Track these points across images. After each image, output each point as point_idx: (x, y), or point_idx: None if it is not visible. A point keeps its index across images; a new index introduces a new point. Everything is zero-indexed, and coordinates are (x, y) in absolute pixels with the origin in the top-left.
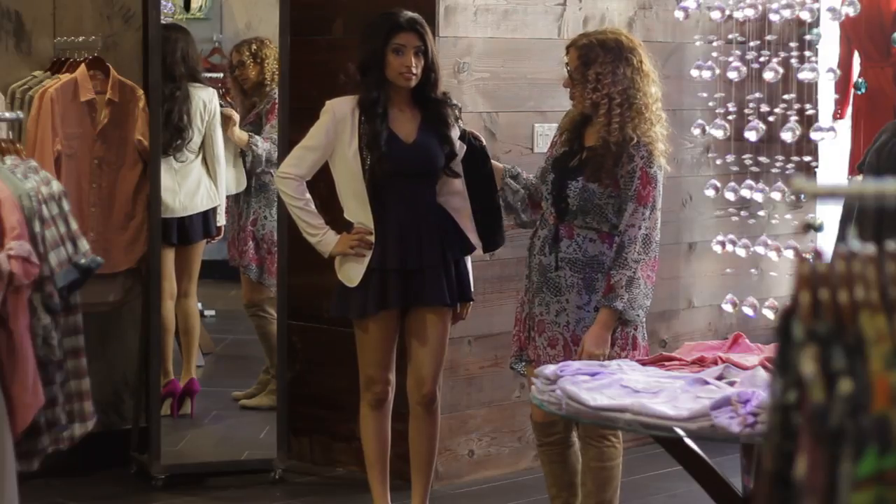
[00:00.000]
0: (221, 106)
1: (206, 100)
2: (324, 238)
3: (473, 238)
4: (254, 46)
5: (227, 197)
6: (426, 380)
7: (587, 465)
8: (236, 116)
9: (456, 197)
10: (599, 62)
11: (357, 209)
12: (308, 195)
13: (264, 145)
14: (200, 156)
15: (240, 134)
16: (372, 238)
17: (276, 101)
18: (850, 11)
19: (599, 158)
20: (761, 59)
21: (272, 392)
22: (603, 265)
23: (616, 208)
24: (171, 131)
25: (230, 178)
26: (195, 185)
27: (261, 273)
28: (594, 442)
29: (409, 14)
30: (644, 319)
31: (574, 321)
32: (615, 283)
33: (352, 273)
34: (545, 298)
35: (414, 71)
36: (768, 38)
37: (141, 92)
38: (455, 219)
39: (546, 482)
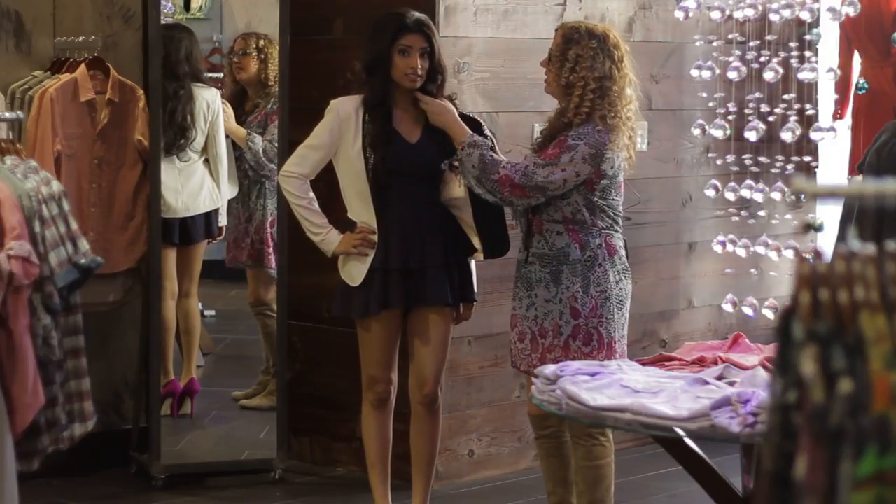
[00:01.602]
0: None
1: (209, 100)
2: (327, 237)
3: (475, 240)
4: (261, 41)
5: (235, 199)
6: (428, 380)
7: (577, 465)
8: (230, 110)
9: (459, 198)
10: (582, 45)
11: (360, 208)
12: (311, 194)
13: (261, 141)
14: (203, 156)
15: (236, 128)
16: (375, 237)
17: None
18: (850, 11)
19: (547, 133)
20: (761, 59)
21: (272, 392)
22: (569, 258)
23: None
24: (174, 130)
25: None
26: (198, 186)
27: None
28: (582, 441)
29: (417, 15)
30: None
31: (542, 315)
32: (493, 158)
33: (354, 272)
34: (519, 293)
35: (419, 73)
36: (768, 38)
37: (141, 92)
38: (458, 219)
39: (544, 478)
